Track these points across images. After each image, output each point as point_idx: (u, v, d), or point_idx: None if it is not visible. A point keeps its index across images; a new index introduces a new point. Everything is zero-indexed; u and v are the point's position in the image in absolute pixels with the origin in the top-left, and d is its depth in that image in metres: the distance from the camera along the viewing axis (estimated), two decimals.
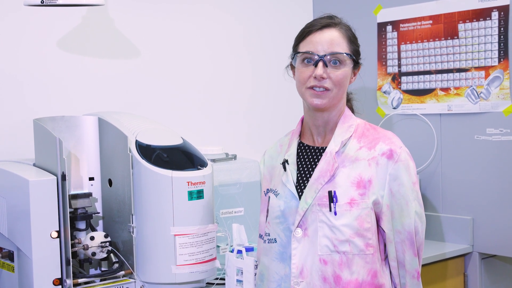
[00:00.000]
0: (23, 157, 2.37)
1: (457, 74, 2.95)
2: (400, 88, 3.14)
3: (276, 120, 3.47)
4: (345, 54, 1.85)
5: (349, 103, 2.00)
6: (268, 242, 1.94)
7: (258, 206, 2.76)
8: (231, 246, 2.37)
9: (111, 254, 2.18)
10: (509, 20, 2.77)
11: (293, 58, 1.95)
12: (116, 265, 2.16)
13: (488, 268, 3.00)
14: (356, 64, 1.90)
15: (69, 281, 2.02)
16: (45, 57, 2.69)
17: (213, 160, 2.58)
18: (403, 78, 3.13)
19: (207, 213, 2.15)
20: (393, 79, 3.16)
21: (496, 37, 2.81)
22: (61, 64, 2.73)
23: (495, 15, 2.80)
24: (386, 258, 1.89)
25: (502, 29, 2.79)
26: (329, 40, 1.85)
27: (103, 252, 2.15)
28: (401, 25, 3.12)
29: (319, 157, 1.90)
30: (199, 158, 2.21)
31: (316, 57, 1.84)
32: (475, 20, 2.87)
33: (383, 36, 3.19)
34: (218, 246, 2.45)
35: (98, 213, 2.29)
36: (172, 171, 2.08)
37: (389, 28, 3.17)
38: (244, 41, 3.34)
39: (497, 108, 2.82)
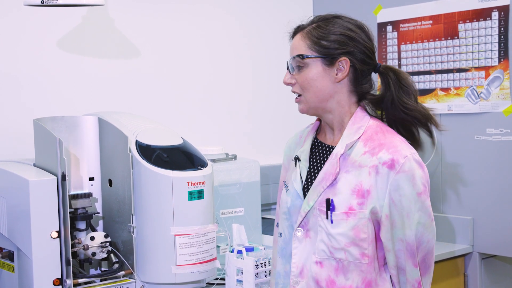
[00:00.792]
0: (23, 157, 2.37)
1: (457, 74, 2.95)
2: None
3: (277, 120, 3.47)
4: (299, 58, 1.82)
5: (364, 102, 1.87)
6: (279, 235, 1.93)
7: (258, 206, 2.77)
8: (231, 246, 2.37)
9: (111, 254, 2.18)
10: (509, 20, 2.77)
11: None
12: (116, 265, 2.16)
13: (488, 268, 3.00)
14: (331, 58, 1.79)
15: (69, 281, 2.02)
16: (45, 57, 2.69)
17: (213, 160, 2.58)
18: None
19: (207, 213, 2.14)
20: None
21: (496, 37, 2.81)
22: (61, 64, 2.73)
23: (495, 15, 2.80)
24: (386, 265, 1.83)
25: (502, 29, 2.79)
26: (292, 47, 1.88)
27: (103, 252, 2.15)
28: (401, 25, 3.12)
29: (329, 156, 1.85)
30: (199, 158, 2.21)
31: (286, 64, 1.87)
32: (475, 20, 2.87)
33: (383, 36, 3.19)
34: (218, 246, 2.45)
35: (98, 213, 2.29)
36: (172, 171, 2.08)
37: (389, 28, 3.17)
38: (245, 41, 3.34)
39: (497, 108, 2.82)
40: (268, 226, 2.97)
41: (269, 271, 2.22)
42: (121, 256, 2.17)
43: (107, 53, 2.87)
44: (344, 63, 1.78)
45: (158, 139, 2.19)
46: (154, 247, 2.10)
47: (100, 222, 2.31)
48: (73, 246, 2.11)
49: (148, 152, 2.12)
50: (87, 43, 2.81)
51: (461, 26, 2.92)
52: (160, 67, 3.02)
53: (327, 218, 1.76)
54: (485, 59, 2.85)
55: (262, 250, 2.35)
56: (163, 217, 2.08)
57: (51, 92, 2.70)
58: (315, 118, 1.96)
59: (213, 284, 2.27)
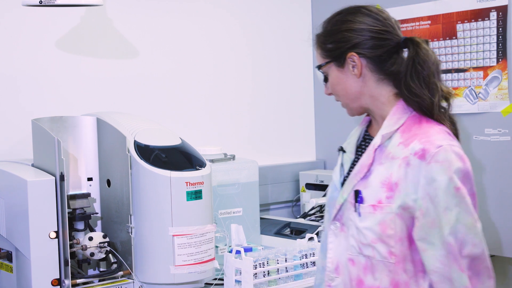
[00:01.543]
0: (22, 158, 2.37)
1: (456, 74, 2.95)
2: None
3: (276, 121, 3.47)
4: (317, 69, 1.81)
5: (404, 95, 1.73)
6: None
7: (256, 207, 2.77)
8: (230, 246, 2.37)
9: (110, 255, 2.18)
10: (508, 21, 2.77)
11: None
12: (115, 266, 2.16)
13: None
14: (340, 59, 1.75)
15: (68, 282, 2.02)
16: (43, 57, 2.69)
17: (212, 161, 2.58)
18: None
19: (205, 213, 2.14)
20: None
21: (495, 37, 2.81)
22: (59, 64, 2.73)
23: (493, 15, 2.81)
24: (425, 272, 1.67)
25: (500, 29, 2.79)
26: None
27: (101, 252, 2.15)
28: (400, 25, 3.12)
29: None
30: (198, 158, 2.21)
31: None
32: (473, 20, 2.87)
33: None
34: (216, 247, 2.45)
35: (97, 213, 2.29)
36: (171, 172, 2.08)
37: None
38: (244, 41, 3.33)
39: (496, 108, 2.82)
40: (266, 226, 2.97)
41: (268, 271, 2.22)
42: (119, 257, 2.17)
43: (105, 53, 2.87)
44: (353, 58, 1.73)
45: (157, 139, 2.19)
46: (152, 248, 2.10)
47: (99, 222, 2.31)
48: (71, 246, 2.11)
49: (147, 152, 2.12)
50: (86, 43, 2.81)
51: (459, 26, 2.92)
52: (159, 67, 3.02)
53: (355, 211, 1.70)
54: (483, 59, 2.85)
55: (260, 250, 2.35)
56: (162, 217, 2.08)
57: (49, 92, 2.70)
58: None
59: (212, 284, 2.27)
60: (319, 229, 2.76)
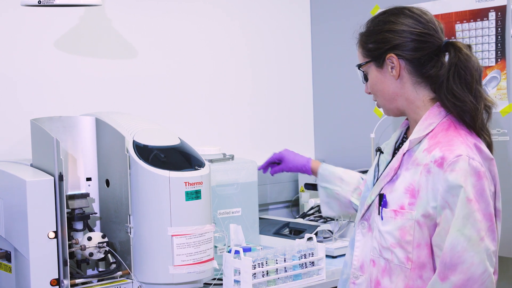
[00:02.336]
0: (20, 158, 2.37)
1: None
2: None
3: (276, 120, 3.47)
4: (359, 68, 1.82)
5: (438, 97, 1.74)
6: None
7: (255, 207, 2.77)
8: (229, 246, 2.38)
9: (109, 255, 2.18)
10: (506, 21, 2.77)
11: None
12: (114, 266, 2.16)
13: None
14: (379, 59, 1.76)
15: (66, 282, 2.02)
16: (42, 57, 2.68)
17: (211, 161, 2.58)
18: None
19: (204, 213, 2.14)
20: None
21: (493, 37, 2.81)
22: (58, 64, 2.73)
23: (492, 15, 2.81)
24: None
25: (499, 29, 2.79)
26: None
27: (100, 252, 2.15)
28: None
29: None
30: (197, 158, 2.21)
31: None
32: (472, 20, 2.87)
33: None
34: (215, 247, 2.45)
35: (96, 213, 2.29)
36: (170, 172, 2.08)
37: None
38: (244, 41, 3.33)
39: (495, 108, 2.82)
40: (265, 226, 2.97)
41: (267, 271, 2.22)
42: (118, 257, 2.17)
43: (104, 53, 2.87)
44: (392, 59, 1.73)
45: (156, 139, 2.18)
46: (151, 248, 2.10)
47: (98, 222, 2.31)
48: (70, 246, 2.11)
49: (146, 152, 2.12)
50: (85, 43, 2.81)
51: (458, 27, 2.92)
52: (158, 67, 3.02)
53: (378, 214, 1.73)
54: (482, 59, 2.85)
55: (259, 250, 2.35)
56: (161, 217, 2.08)
57: (48, 92, 2.70)
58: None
59: (211, 284, 2.27)
60: (318, 229, 2.76)
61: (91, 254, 2.14)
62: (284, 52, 3.50)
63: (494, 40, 2.81)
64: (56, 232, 2.01)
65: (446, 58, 1.74)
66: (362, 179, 2.19)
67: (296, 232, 2.86)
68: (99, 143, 2.29)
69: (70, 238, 2.15)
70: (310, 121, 3.60)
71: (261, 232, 2.83)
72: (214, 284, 2.27)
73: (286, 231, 2.95)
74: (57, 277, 2.02)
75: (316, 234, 2.57)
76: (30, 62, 2.65)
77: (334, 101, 3.51)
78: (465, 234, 1.58)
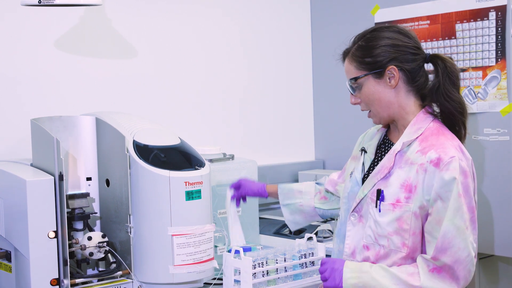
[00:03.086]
0: (20, 157, 2.37)
1: None
2: None
3: (276, 120, 3.47)
4: (352, 80, 1.99)
5: (428, 99, 1.99)
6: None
7: (255, 206, 2.77)
8: (229, 246, 2.37)
9: (109, 254, 2.18)
10: (507, 20, 2.77)
11: None
12: (114, 265, 2.16)
13: (485, 268, 3.00)
14: (379, 71, 1.95)
15: (67, 281, 2.02)
16: (43, 57, 2.69)
17: (211, 160, 2.58)
18: None
19: (204, 213, 2.14)
20: None
21: (494, 37, 2.81)
22: (58, 64, 2.73)
23: (492, 15, 2.81)
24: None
25: (499, 29, 2.79)
26: (345, 71, 2.04)
27: (100, 252, 2.15)
28: (398, 25, 3.12)
29: None
30: (197, 158, 2.21)
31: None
32: (472, 20, 2.87)
33: None
34: (215, 246, 2.45)
35: (96, 213, 2.29)
36: (170, 171, 2.08)
37: None
38: (244, 41, 3.34)
39: (495, 108, 2.82)
40: (265, 226, 2.97)
41: (267, 271, 2.22)
42: (118, 256, 2.17)
43: (104, 53, 2.87)
44: (392, 71, 1.95)
45: (156, 139, 2.18)
46: (151, 247, 2.10)
47: (98, 222, 2.31)
48: (70, 246, 2.11)
49: (146, 152, 2.12)
50: (85, 43, 2.81)
51: (458, 26, 2.92)
52: (158, 67, 3.02)
53: (376, 206, 1.94)
54: (482, 59, 2.85)
55: (259, 250, 2.35)
56: (161, 217, 2.08)
57: (48, 92, 2.70)
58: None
59: (211, 284, 2.27)
60: (318, 228, 2.76)
61: (91, 254, 2.14)
62: (285, 52, 3.50)
63: (494, 40, 2.81)
64: (56, 232, 2.01)
65: (430, 67, 1.99)
66: (318, 184, 2.44)
67: (296, 232, 2.86)
68: (99, 142, 2.29)
69: (70, 237, 2.15)
70: (310, 121, 3.61)
71: (261, 232, 2.83)
72: (214, 284, 2.27)
73: (286, 231, 2.95)
74: (57, 276, 2.02)
75: (316, 233, 2.58)
76: (30, 62, 2.65)
77: (334, 101, 3.51)
78: (455, 224, 1.84)
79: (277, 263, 2.25)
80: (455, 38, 2.93)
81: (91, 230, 2.25)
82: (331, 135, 3.53)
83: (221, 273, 2.26)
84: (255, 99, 3.38)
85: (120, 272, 2.15)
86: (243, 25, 3.33)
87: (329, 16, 3.49)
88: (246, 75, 3.35)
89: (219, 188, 2.60)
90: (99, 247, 2.13)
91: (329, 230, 2.79)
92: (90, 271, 2.24)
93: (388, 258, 1.93)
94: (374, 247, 1.95)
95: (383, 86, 1.97)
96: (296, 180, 3.42)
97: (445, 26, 2.97)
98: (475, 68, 2.88)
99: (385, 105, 1.98)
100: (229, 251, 2.24)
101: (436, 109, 1.98)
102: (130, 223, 2.13)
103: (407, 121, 1.98)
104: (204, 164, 2.19)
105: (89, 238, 2.13)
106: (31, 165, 2.21)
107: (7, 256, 2.16)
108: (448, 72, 1.94)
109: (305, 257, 2.31)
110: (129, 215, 2.13)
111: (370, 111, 2.02)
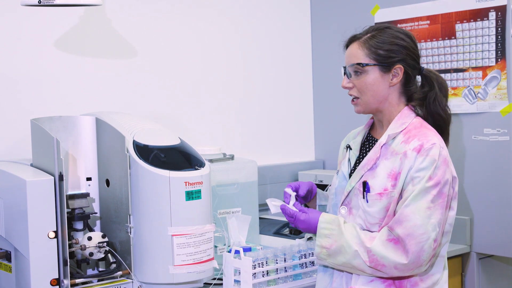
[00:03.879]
0: (20, 157, 2.37)
1: (455, 74, 2.95)
2: None
3: (276, 120, 3.47)
4: (359, 65, 2.03)
5: (414, 102, 2.10)
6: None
7: (255, 207, 2.77)
8: (229, 246, 2.37)
9: (109, 255, 2.18)
10: (507, 20, 2.77)
11: None
12: (114, 266, 2.16)
13: (485, 268, 3.00)
14: (388, 66, 2.03)
15: (67, 282, 2.02)
16: (42, 57, 2.69)
17: (211, 160, 2.58)
18: None
19: (204, 213, 2.14)
20: None
21: (493, 37, 2.81)
22: (58, 64, 2.73)
23: (492, 15, 2.81)
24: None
25: (499, 29, 2.79)
26: (349, 54, 2.09)
27: (100, 252, 2.15)
28: (398, 25, 3.12)
29: None
30: (197, 158, 2.21)
31: (342, 70, 2.11)
32: (472, 20, 2.87)
33: None
34: (215, 246, 2.45)
35: (96, 213, 2.29)
36: (170, 171, 2.08)
37: None
38: (243, 41, 3.33)
39: (495, 108, 2.82)
40: (265, 226, 2.97)
41: (267, 271, 2.22)
42: (118, 256, 2.17)
43: (104, 53, 2.87)
44: (398, 70, 2.04)
45: (156, 139, 2.18)
46: (151, 247, 2.10)
47: (98, 222, 2.31)
48: (70, 246, 2.11)
49: (146, 152, 2.12)
50: (84, 43, 2.81)
51: (458, 26, 2.92)
52: (158, 67, 3.02)
53: (363, 198, 2.03)
54: (482, 59, 2.85)
55: (259, 250, 2.35)
56: (161, 217, 2.08)
57: (48, 92, 2.70)
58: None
59: (211, 284, 2.27)
60: None
61: (91, 254, 2.14)
62: (285, 53, 3.50)
63: (494, 40, 2.81)
64: (56, 232, 2.01)
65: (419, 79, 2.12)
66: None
67: (296, 232, 2.86)
68: (99, 143, 2.29)
69: (70, 238, 2.15)
70: (310, 121, 3.60)
71: (261, 232, 2.83)
72: (214, 284, 2.27)
73: (286, 231, 2.95)
74: (57, 277, 2.02)
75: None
76: (30, 62, 2.65)
77: (334, 102, 3.51)
78: (416, 202, 1.93)
79: (277, 263, 2.25)
80: (455, 38, 2.93)
81: (91, 230, 2.25)
82: (331, 135, 3.53)
83: (221, 273, 2.26)
84: (255, 99, 3.38)
85: (120, 272, 2.15)
86: (243, 25, 3.33)
87: (329, 16, 3.49)
88: (246, 75, 3.35)
89: (219, 188, 2.60)
90: (99, 247, 2.13)
91: None
92: (90, 271, 2.24)
93: None
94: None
95: (384, 81, 2.05)
96: (296, 180, 3.42)
97: (445, 26, 2.97)
98: (475, 68, 2.88)
99: (379, 98, 2.06)
100: (229, 251, 2.24)
101: (420, 110, 2.10)
102: (130, 223, 2.13)
103: (392, 116, 2.08)
104: (204, 164, 2.19)
105: (89, 238, 2.13)
106: (31, 165, 2.21)
107: (7, 256, 2.15)
108: (440, 85, 2.09)
109: (305, 257, 2.31)
110: (129, 215, 2.13)
111: (357, 98, 2.08)
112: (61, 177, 2.02)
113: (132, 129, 2.18)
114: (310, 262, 2.32)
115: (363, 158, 2.12)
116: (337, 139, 3.66)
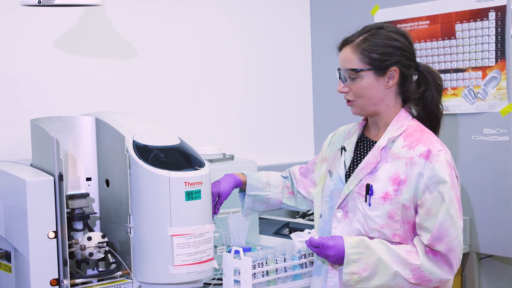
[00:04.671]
0: (20, 158, 2.37)
1: (454, 74, 2.95)
2: None
3: (276, 120, 3.47)
4: (352, 70, 2.00)
5: (411, 102, 2.08)
6: (319, 216, 2.15)
7: None
8: (228, 246, 2.37)
9: (109, 255, 2.18)
10: (506, 21, 2.77)
11: None
12: (114, 266, 2.16)
13: (485, 268, 3.00)
14: (383, 69, 1.99)
15: (66, 282, 2.02)
16: (42, 57, 2.69)
17: (211, 160, 2.58)
18: None
19: (204, 213, 2.14)
20: None
21: (493, 37, 2.81)
22: (58, 64, 2.73)
23: (492, 15, 2.81)
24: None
25: (499, 29, 2.79)
26: (342, 59, 2.05)
27: (100, 252, 2.15)
28: (398, 25, 3.12)
29: (372, 148, 2.07)
30: (197, 158, 2.21)
31: (337, 73, 2.07)
32: (472, 20, 2.87)
33: None
34: (215, 246, 2.45)
35: (95, 213, 2.29)
36: (170, 172, 2.08)
37: None
38: (243, 41, 3.34)
39: (494, 108, 2.82)
40: (265, 226, 2.97)
41: (267, 271, 2.22)
42: (118, 256, 2.17)
43: (104, 53, 2.87)
44: (394, 72, 2.01)
45: (155, 139, 2.18)
46: (151, 247, 2.10)
47: (97, 222, 2.31)
48: (70, 246, 2.11)
49: (145, 152, 2.12)
50: (84, 43, 2.81)
51: (458, 26, 2.92)
52: (158, 67, 3.02)
53: (365, 201, 1.98)
54: (482, 59, 2.85)
55: (259, 250, 2.35)
56: (160, 217, 2.08)
57: (48, 92, 2.70)
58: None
59: (211, 284, 2.27)
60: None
61: (91, 254, 2.14)
62: (285, 52, 3.50)
63: (494, 40, 2.81)
64: (56, 232, 2.01)
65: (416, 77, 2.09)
66: (283, 177, 2.42)
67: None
68: (99, 143, 2.29)
69: (70, 238, 2.15)
70: (310, 121, 3.60)
71: (261, 232, 2.83)
72: (214, 284, 2.27)
73: (286, 231, 2.95)
74: (57, 277, 2.02)
75: None
76: (30, 62, 2.65)
77: (334, 101, 3.51)
78: (450, 213, 1.91)
79: (277, 263, 2.25)
80: (455, 38, 2.93)
81: (91, 230, 2.25)
82: None
83: (221, 273, 2.26)
84: (255, 99, 3.38)
85: (120, 272, 2.15)
86: (243, 25, 3.33)
87: (329, 16, 3.49)
88: (246, 75, 3.35)
89: None
90: (99, 247, 2.13)
91: None
92: (90, 271, 2.24)
93: None
94: None
95: (380, 84, 2.02)
96: None
97: (445, 26, 2.97)
98: (475, 68, 2.88)
99: (375, 101, 2.03)
100: (229, 251, 2.24)
101: (414, 110, 2.09)
102: (130, 223, 2.13)
103: (389, 118, 2.05)
104: (204, 164, 2.19)
105: (89, 238, 2.13)
106: (31, 165, 2.21)
107: (7, 256, 2.15)
108: (436, 82, 2.06)
109: (305, 257, 2.31)
110: (129, 215, 2.13)
111: (353, 101, 2.05)
112: (61, 177, 2.02)
113: (132, 129, 2.18)
114: (309, 262, 2.32)
115: (357, 160, 2.09)
116: None
